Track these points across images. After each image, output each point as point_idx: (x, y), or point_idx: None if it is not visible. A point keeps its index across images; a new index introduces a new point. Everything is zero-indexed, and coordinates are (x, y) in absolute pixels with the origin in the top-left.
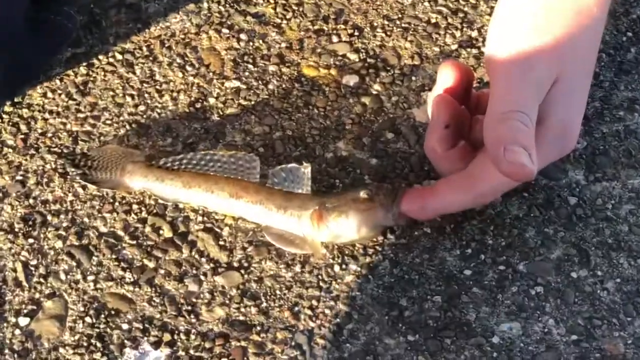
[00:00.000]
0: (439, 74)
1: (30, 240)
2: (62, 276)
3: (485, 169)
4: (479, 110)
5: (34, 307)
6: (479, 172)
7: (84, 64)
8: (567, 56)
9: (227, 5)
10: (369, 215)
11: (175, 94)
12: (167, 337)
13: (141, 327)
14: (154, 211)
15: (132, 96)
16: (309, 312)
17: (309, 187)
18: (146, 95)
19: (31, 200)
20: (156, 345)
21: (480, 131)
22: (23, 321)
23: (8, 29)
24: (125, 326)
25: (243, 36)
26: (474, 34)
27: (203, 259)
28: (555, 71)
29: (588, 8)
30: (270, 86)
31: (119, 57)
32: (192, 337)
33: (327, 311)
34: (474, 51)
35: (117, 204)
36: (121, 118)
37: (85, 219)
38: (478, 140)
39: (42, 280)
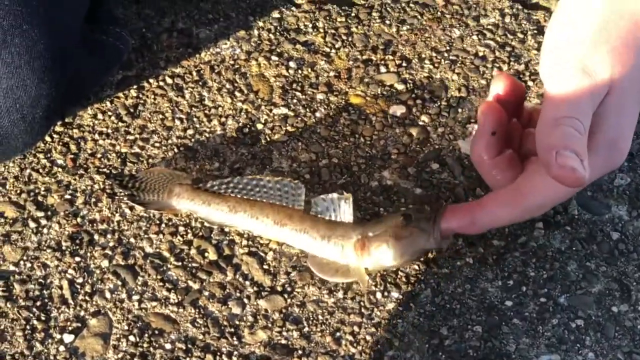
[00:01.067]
0: (492, 85)
1: (77, 259)
2: (107, 295)
3: (534, 182)
4: (531, 124)
5: (79, 325)
6: (528, 185)
7: (135, 86)
8: (622, 68)
9: (277, 33)
10: (410, 241)
11: (223, 119)
12: (209, 358)
13: (184, 347)
14: (200, 234)
15: (181, 120)
16: (350, 337)
17: (351, 216)
18: (195, 119)
19: (79, 219)
20: None
21: (532, 143)
22: (68, 338)
23: (64, 49)
24: (168, 346)
25: (292, 64)
26: (521, 67)
27: (247, 282)
28: (609, 82)
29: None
30: (318, 114)
31: (169, 81)
32: (234, 359)
33: (368, 337)
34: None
35: (163, 225)
36: (169, 141)
37: (132, 240)
38: (529, 152)
39: (87, 298)
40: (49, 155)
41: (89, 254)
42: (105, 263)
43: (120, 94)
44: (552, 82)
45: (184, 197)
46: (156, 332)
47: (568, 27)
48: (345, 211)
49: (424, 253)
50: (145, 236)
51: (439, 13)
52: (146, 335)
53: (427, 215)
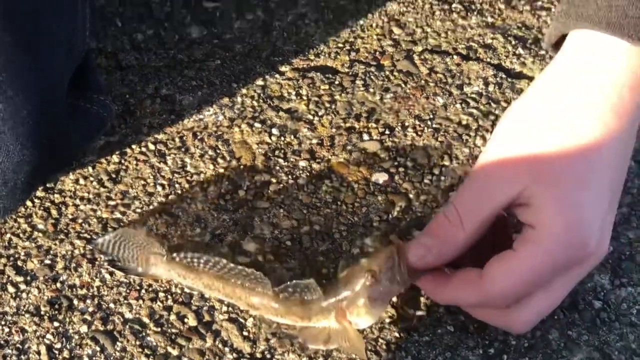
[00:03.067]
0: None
1: (56, 324)
2: None
3: (493, 267)
4: None
5: None
6: (488, 270)
7: (117, 152)
8: (540, 168)
9: (261, 101)
10: (384, 295)
11: (205, 185)
12: None
13: None
14: (180, 300)
15: (162, 186)
16: None
17: (319, 292)
18: (177, 185)
19: (58, 284)
20: None
21: None
22: None
23: (48, 115)
24: None
25: (275, 131)
26: None
27: (226, 349)
28: (520, 183)
29: (582, 125)
30: (300, 181)
31: (152, 147)
32: None
33: None
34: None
35: (143, 291)
36: (151, 207)
37: (111, 305)
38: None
39: None
40: (29, 219)
41: (67, 319)
42: (84, 328)
43: (103, 160)
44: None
45: (161, 268)
46: None
47: (499, 127)
48: (312, 289)
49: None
50: (125, 301)
51: (422, 81)
52: None
53: (388, 263)
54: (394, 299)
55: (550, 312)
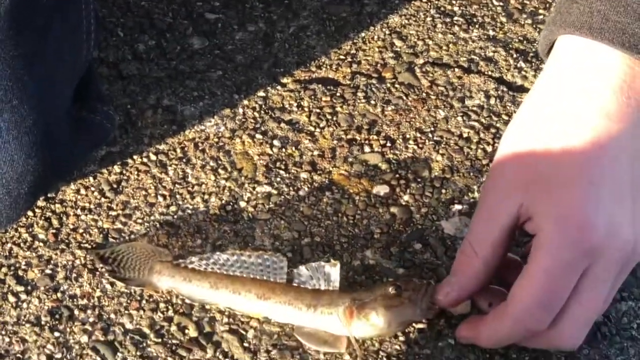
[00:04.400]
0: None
1: (56, 334)
2: None
3: (514, 288)
4: None
5: None
6: (512, 293)
7: (118, 162)
8: (530, 179)
9: (262, 112)
10: (399, 311)
11: (206, 196)
12: None
13: None
14: (181, 310)
15: (164, 196)
16: None
17: (337, 284)
18: (178, 196)
19: (59, 294)
20: None
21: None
22: None
23: (53, 125)
24: None
25: (276, 142)
26: None
27: None
28: (515, 199)
29: (565, 130)
30: (301, 193)
31: (153, 157)
32: None
33: None
34: None
35: (144, 301)
36: (152, 218)
37: (112, 315)
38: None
39: None
40: (30, 229)
41: (68, 329)
42: (84, 338)
43: (104, 170)
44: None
45: (165, 275)
46: None
47: (502, 145)
48: (331, 278)
49: (409, 324)
50: (126, 312)
51: (424, 94)
52: None
53: (415, 287)
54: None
55: (593, 320)
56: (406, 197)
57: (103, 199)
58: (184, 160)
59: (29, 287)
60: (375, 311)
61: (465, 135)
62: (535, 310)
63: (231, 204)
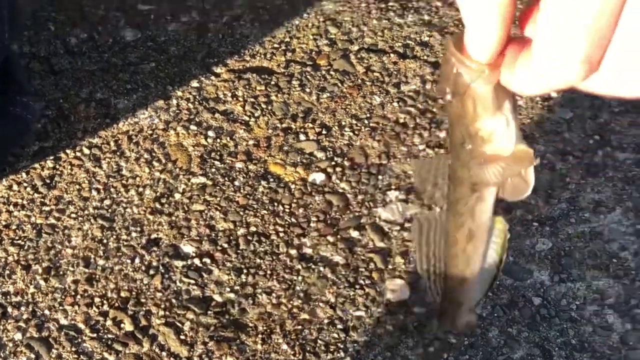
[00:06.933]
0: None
1: None
2: None
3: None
4: None
5: None
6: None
7: (51, 157)
8: None
9: (196, 103)
10: None
11: (141, 189)
12: None
13: None
14: (116, 304)
15: (98, 190)
16: None
17: None
18: (112, 189)
19: None
20: None
21: None
22: None
23: None
24: None
25: (211, 133)
26: (442, 134)
27: (164, 353)
28: None
29: None
30: (237, 183)
31: (87, 151)
32: None
33: None
34: (442, 151)
35: (79, 297)
36: (86, 212)
37: (46, 312)
38: None
39: None
40: None
41: (1, 327)
42: (18, 336)
43: (36, 165)
44: None
45: None
46: None
47: None
48: None
49: None
50: (60, 308)
51: (359, 80)
52: None
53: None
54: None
55: None
56: (343, 185)
57: (36, 195)
58: (118, 153)
59: None
60: None
61: (401, 120)
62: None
63: (166, 196)
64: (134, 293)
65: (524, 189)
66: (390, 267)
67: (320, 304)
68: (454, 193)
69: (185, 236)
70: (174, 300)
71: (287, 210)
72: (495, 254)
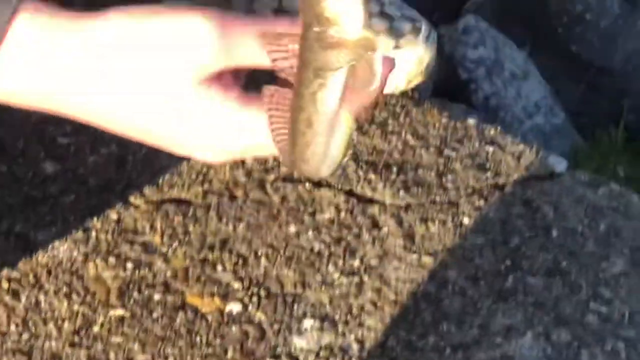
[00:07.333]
0: None
1: None
2: None
3: None
4: None
5: None
6: None
7: None
8: None
9: (115, 234)
10: None
11: (60, 322)
12: None
13: None
14: None
15: (16, 324)
16: None
17: None
18: (31, 323)
19: None
20: None
21: None
22: None
23: None
24: None
25: (129, 265)
26: (356, 262)
27: None
28: None
29: None
30: (155, 314)
31: (5, 285)
32: None
33: None
34: (356, 279)
35: None
36: (5, 346)
37: None
38: None
39: None
40: None
41: None
42: None
43: None
44: None
45: None
46: None
47: None
48: None
49: None
50: None
51: (275, 210)
52: None
53: None
54: None
55: None
56: (259, 314)
57: None
58: (37, 286)
59: None
60: None
61: (316, 249)
62: None
63: (85, 328)
64: None
65: (370, 79)
66: None
67: None
68: (298, 74)
69: None
70: None
71: (204, 341)
72: (338, 150)
